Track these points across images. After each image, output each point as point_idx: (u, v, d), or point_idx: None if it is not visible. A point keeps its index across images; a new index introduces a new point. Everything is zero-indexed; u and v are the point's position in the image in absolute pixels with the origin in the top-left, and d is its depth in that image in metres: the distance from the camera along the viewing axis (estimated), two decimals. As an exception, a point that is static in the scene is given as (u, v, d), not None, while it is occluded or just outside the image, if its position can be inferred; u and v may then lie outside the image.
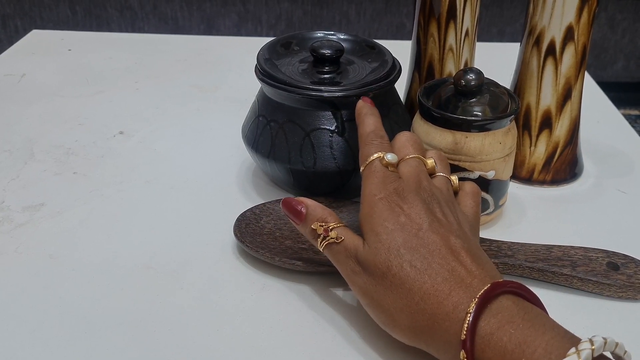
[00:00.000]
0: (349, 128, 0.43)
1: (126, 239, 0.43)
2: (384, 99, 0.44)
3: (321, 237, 0.35)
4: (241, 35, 1.48)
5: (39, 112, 0.60)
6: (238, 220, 0.42)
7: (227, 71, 0.71)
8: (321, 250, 0.35)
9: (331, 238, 0.34)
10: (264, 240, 0.41)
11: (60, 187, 0.48)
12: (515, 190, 0.48)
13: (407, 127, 0.45)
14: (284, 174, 0.45)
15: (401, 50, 0.54)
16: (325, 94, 0.41)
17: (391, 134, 0.43)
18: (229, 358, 0.34)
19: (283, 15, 1.47)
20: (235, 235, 0.41)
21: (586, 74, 0.70)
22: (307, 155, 0.43)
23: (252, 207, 0.44)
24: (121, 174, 0.50)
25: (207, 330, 0.35)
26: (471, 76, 0.41)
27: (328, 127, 0.43)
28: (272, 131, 0.44)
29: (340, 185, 0.45)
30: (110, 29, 1.51)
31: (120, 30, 1.51)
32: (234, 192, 0.48)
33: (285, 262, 0.39)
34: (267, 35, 1.50)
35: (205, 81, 0.68)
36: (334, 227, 0.35)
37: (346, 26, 1.47)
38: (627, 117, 1.57)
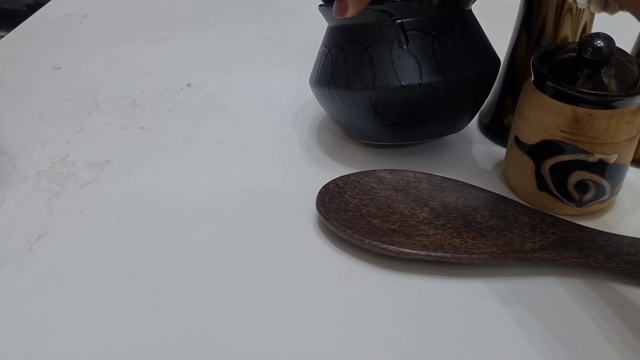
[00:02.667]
0: (412, 38, 0.38)
1: (197, 207, 0.39)
2: (455, 14, 0.39)
3: None
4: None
5: (102, 58, 0.57)
6: (321, 193, 0.38)
7: (297, 22, 0.65)
8: None
9: None
10: (350, 218, 0.37)
11: (127, 143, 0.45)
12: (630, 174, 0.43)
13: (489, 48, 0.41)
14: (347, 108, 0.40)
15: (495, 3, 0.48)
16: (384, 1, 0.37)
17: (465, 49, 0.39)
18: (310, 349, 0.30)
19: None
20: (319, 210, 0.37)
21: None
22: (366, 73, 0.38)
23: (336, 179, 0.39)
24: (190, 131, 0.47)
25: (287, 317, 0.32)
26: (600, 44, 0.35)
27: (387, 39, 0.38)
28: (332, 57, 0.40)
29: (408, 110, 0.39)
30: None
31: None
32: (310, 156, 0.44)
33: (376, 247, 0.35)
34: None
35: (275, 32, 0.63)
36: None
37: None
38: None
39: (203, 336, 0.31)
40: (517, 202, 0.38)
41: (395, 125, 0.40)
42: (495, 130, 0.46)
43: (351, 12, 0.37)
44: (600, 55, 0.35)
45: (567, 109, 0.36)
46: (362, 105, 0.40)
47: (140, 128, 0.47)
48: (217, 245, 0.36)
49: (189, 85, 0.53)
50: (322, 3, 0.40)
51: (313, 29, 0.62)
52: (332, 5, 0.38)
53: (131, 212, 0.39)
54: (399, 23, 0.38)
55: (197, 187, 0.41)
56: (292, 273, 0.35)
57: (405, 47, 0.38)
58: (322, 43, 0.42)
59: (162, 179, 0.42)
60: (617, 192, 0.39)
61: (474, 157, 0.44)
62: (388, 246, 0.34)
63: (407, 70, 0.38)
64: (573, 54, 0.37)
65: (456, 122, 0.41)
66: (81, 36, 0.60)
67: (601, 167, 0.37)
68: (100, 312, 0.32)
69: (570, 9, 0.40)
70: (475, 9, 0.42)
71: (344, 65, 0.39)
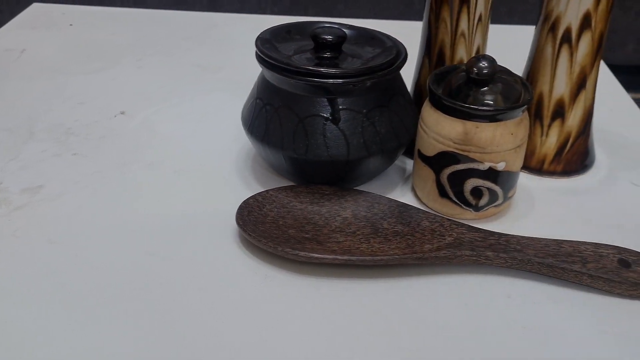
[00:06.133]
0: (344, 117, 0.41)
1: (127, 225, 0.42)
2: (385, 87, 0.43)
3: None
4: (244, 10, 1.45)
5: (39, 89, 0.59)
6: (240, 207, 0.41)
7: (231, 51, 0.69)
8: None
9: None
10: (266, 229, 0.40)
11: (60, 168, 0.47)
12: (524, 181, 0.47)
13: (410, 117, 0.44)
14: (277, 160, 0.44)
15: (409, 33, 0.52)
16: (321, 80, 0.40)
17: (389, 125, 0.42)
18: (231, 350, 0.33)
19: (289, -9, 1.44)
20: (238, 223, 0.40)
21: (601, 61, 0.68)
22: (299, 141, 0.42)
23: (255, 194, 0.43)
24: (123, 155, 0.49)
25: (209, 321, 0.35)
26: (484, 64, 0.40)
27: (323, 115, 0.41)
28: (268, 115, 0.43)
29: (333, 175, 0.43)
30: (112, 3, 1.49)
31: (122, 4, 1.48)
32: (237, 177, 0.47)
33: (288, 253, 0.38)
34: (271, 12, 1.47)
35: (209, 61, 0.66)
36: None
37: (352, 3, 1.45)
38: (637, 102, 1.55)
39: (128, 340, 0.33)
40: (420, 209, 0.42)
41: (321, 182, 0.44)
42: (408, 146, 0.50)
43: None
44: (484, 74, 0.40)
45: (457, 123, 0.40)
46: (292, 166, 0.43)
47: (74, 154, 0.49)
48: (144, 258, 0.39)
49: (122, 113, 0.55)
50: (262, 54, 0.42)
51: (244, 58, 0.66)
52: (267, 65, 0.41)
53: (63, 232, 0.41)
54: (334, 101, 0.41)
55: (128, 207, 0.44)
56: (213, 281, 0.37)
57: (337, 124, 0.41)
58: (257, 90, 0.45)
59: (94, 201, 0.44)
60: (511, 197, 0.43)
61: (388, 172, 0.48)
62: (299, 252, 0.38)
63: (337, 146, 0.41)
64: (463, 74, 0.41)
65: (379, 173, 0.46)
66: (19, 69, 0.63)
67: (492, 174, 0.41)
68: (33, 324, 0.34)
69: (463, 34, 0.45)
70: (393, 34, 0.46)
71: (279, 129, 0.42)
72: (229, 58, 0.67)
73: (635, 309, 0.36)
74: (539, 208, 0.45)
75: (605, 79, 0.64)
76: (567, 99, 0.46)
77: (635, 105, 0.60)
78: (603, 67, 0.66)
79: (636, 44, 1.50)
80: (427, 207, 0.44)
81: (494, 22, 0.68)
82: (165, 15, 0.79)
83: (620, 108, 0.59)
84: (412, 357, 0.33)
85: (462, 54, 0.46)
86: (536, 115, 0.47)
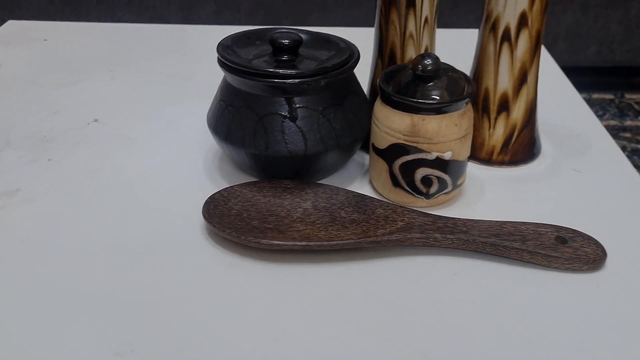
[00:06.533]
0: (301, 115, 0.44)
1: (100, 223, 0.44)
2: (339, 86, 0.46)
3: None
4: (220, 23, 1.48)
5: (15, 101, 0.61)
6: (207, 202, 0.44)
7: (202, 59, 0.72)
8: None
9: None
10: (231, 222, 0.42)
11: (36, 173, 0.50)
12: (475, 170, 0.50)
13: (364, 115, 0.47)
14: (240, 157, 0.46)
15: (372, 38, 0.55)
16: (278, 80, 0.43)
17: (344, 122, 0.45)
18: (199, 333, 0.36)
19: (261, 4, 1.47)
20: (204, 216, 0.43)
21: (551, 59, 0.72)
22: (259, 139, 0.44)
23: (221, 190, 0.45)
24: (95, 160, 0.52)
25: (177, 308, 0.37)
26: (428, 61, 0.43)
27: (281, 113, 0.44)
28: (230, 115, 0.46)
29: (293, 170, 0.46)
30: (89, 19, 1.51)
31: (100, 20, 1.51)
32: (204, 175, 0.50)
33: (250, 241, 0.40)
34: (246, 24, 1.51)
35: (180, 69, 0.69)
36: None
37: (324, 13, 1.48)
38: (601, 101, 1.60)
39: (102, 331, 0.36)
40: (375, 198, 0.45)
41: (283, 177, 0.47)
42: (365, 143, 0.53)
43: None
44: (428, 71, 0.43)
45: (405, 117, 0.43)
46: (254, 162, 0.46)
47: (49, 160, 0.52)
48: (116, 252, 0.41)
49: (95, 120, 0.58)
50: (222, 58, 0.46)
51: (213, 66, 0.69)
52: (227, 68, 0.44)
53: (38, 232, 0.43)
54: (291, 100, 0.44)
55: (99, 207, 0.46)
56: (181, 270, 0.40)
57: (294, 122, 0.44)
58: (220, 93, 0.48)
59: (67, 202, 0.46)
60: (460, 185, 0.47)
61: (348, 166, 0.51)
62: (260, 240, 0.40)
63: (295, 141, 0.44)
64: (410, 72, 0.44)
65: (339, 167, 0.50)
66: (-5, 83, 0.65)
67: (440, 164, 0.44)
68: (8, 321, 0.36)
69: (411, 35, 0.48)
70: (352, 40, 0.49)
71: (240, 128, 0.45)
72: (198, 67, 0.70)
73: (571, 281, 0.40)
74: (487, 195, 0.48)
75: (556, 77, 0.68)
76: (510, 93, 0.49)
77: (582, 100, 0.63)
78: (554, 66, 0.70)
79: (598, 46, 1.55)
80: (383, 197, 0.47)
81: (449, 26, 0.72)
82: (137, 29, 0.82)
83: (567, 103, 0.63)
84: (369, 332, 0.36)
85: (411, 54, 0.49)
86: (483, 110, 0.50)
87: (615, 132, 1.46)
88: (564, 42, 1.54)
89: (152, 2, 1.49)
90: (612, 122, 1.49)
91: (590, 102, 1.54)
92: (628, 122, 1.50)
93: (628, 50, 1.57)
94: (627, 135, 1.45)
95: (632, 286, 0.39)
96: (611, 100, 1.58)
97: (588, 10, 1.51)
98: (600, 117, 1.50)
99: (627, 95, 1.61)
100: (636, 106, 1.57)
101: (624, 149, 1.40)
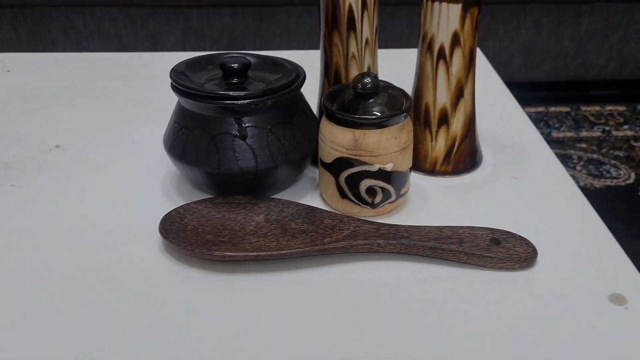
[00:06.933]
0: (251, 133, 0.47)
1: (62, 244, 0.46)
2: (287, 106, 0.49)
3: None
4: (185, 50, 1.51)
5: (-23, 131, 0.63)
6: (163, 219, 0.46)
7: (162, 85, 0.74)
8: None
9: None
10: (187, 236, 0.45)
11: (-2, 199, 0.51)
12: (419, 181, 0.53)
13: (312, 132, 0.50)
14: (195, 175, 0.49)
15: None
16: (227, 102, 0.46)
17: (292, 138, 0.48)
18: (155, 343, 0.38)
19: (225, 30, 1.51)
20: (161, 232, 0.45)
21: (495, 73, 0.76)
22: (212, 158, 0.47)
23: (178, 207, 0.48)
24: (57, 184, 0.54)
25: (133, 319, 0.39)
26: (367, 80, 0.46)
27: (231, 132, 0.47)
28: (184, 136, 0.48)
29: (245, 186, 0.49)
30: (55, 50, 1.53)
31: (66, 50, 1.53)
32: (162, 194, 0.52)
33: (204, 254, 0.43)
34: (211, 49, 1.54)
35: (140, 95, 0.72)
36: None
37: (287, 38, 1.52)
38: (558, 114, 1.66)
39: (58, 347, 0.37)
40: (324, 210, 0.48)
41: (236, 193, 0.49)
42: (316, 158, 0.56)
43: None
44: (367, 88, 0.46)
45: (348, 132, 0.46)
46: (208, 180, 0.49)
47: (11, 185, 0.53)
48: (76, 271, 0.43)
49: (57, 146, 0.60)
50: (175, 83, 0.48)
51: (171, 91, 0.72)
52: (180, 92, 0.47)
53: (2, 253, 0.45)
54: (240, 119, 0.47)
55: (62, 228, 0.48)
56: (138, 282, 0.42)
57: (244, 140, 0.47)
58: (175, 116, 0.50)
59: (31, 224, 0.48)
60: (404, 194, 0.49)
61: (300, 181, 0.54)
62: (214, 252, 0.43)
63: (246, 159, 0.47)
64: (352, 90, 0.48)
65: (291, 182, 0.52)
66: (-42, 114, 0.67)
67: (383, 175, 0.47)
68: (-31, 332, 0.38)
69: (354, 56, 0.52)
70: (303, 62, 0.52)
71: (194, 148, 0.48)
72: (158, 92, 0.72)
73: (505, 279, 0.43)
74: (430, 203, 0.51)
75: (499, 91, 0.72)
76: (449, 108, 0.53)
77: (523, 113, 0.67)
78: (497, 80, 0.74)
79: (552, 61, 1.61)
80: (332, 208, 0.50)
81: (392, 47, 0.75)
82: (100, 57, 0.84)
83: (509, 115, 0.66)
84: (316, 335, 0.38)
85: (354, 74, 0.52)
86: (425, 124, 0.54)
87: (571, 143, 1.51)
88: (519, 58, 1.60)
89: (117, 32, 1.52)
90: (569, 134, 1.55)
91: (547, 115, 1.60)
92: (584, 133, 1.56)
93: (581, 64, 1.64)
94: (583, 145, 1.50)
95: (560, 282, 0.42)
96: (567, 113, 1.64)
97: (541, 27, 1.57)
98: (557, 129, 1.56)
99: (583, 108, 1.67)
100: (591, 118, 1.63)
101: (579, 159, 1.45)
